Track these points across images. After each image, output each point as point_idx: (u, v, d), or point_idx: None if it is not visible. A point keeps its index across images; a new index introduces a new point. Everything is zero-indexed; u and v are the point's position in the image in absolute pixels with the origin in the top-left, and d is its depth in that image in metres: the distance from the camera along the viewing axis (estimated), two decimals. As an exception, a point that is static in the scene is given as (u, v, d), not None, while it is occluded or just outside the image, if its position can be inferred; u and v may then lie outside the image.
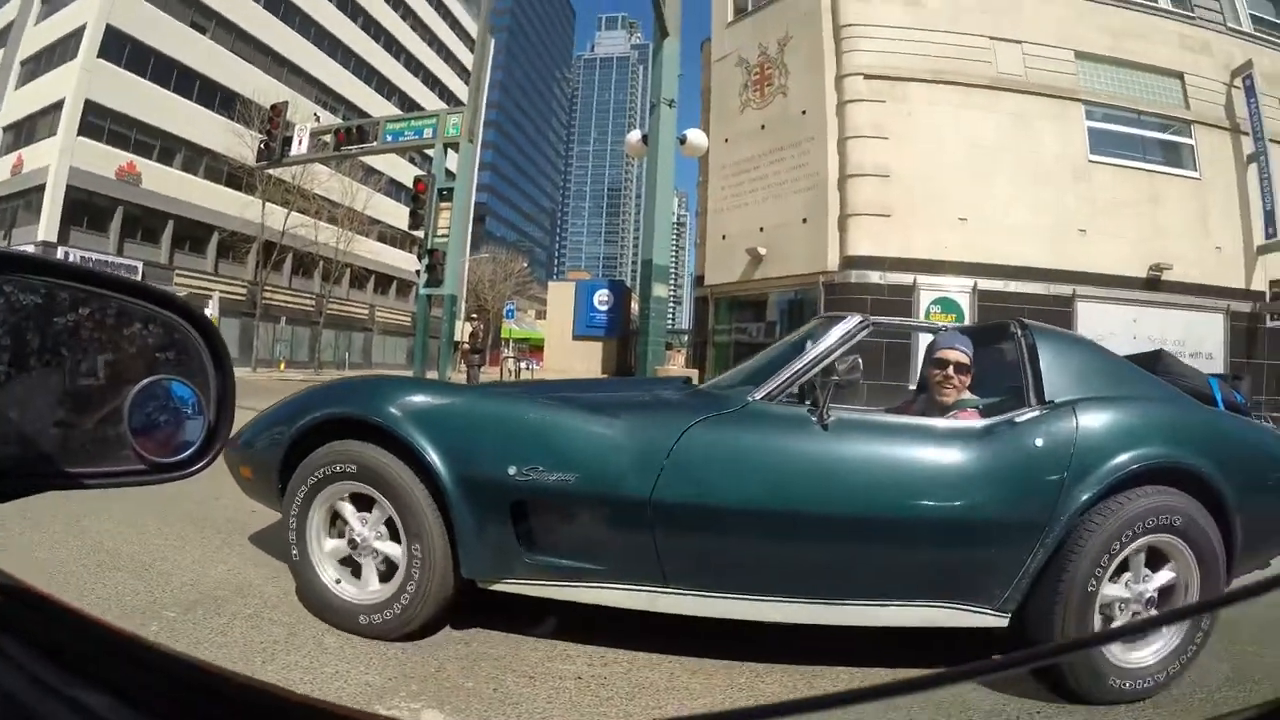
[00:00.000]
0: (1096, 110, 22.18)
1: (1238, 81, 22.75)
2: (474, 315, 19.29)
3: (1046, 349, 3.98)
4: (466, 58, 72.62)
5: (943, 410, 4.22)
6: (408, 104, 59.10)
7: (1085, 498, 3.41)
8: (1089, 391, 3.84)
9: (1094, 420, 3.62)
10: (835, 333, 3.97)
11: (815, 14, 22.20)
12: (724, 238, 24.00)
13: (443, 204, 19.97)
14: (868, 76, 21.18)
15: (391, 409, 3.64)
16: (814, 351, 3.87)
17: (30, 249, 31.26)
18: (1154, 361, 4.73)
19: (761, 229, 22.60)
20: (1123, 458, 3.48)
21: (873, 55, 21.33)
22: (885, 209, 20.30)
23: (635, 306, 20.08)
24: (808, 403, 3.70)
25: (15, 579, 0.69)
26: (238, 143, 38.82)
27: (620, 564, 3.51)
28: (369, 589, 3.74)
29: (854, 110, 21.01)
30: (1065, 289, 20.47)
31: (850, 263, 20.38)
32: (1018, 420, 3.69)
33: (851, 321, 4.03)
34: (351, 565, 3.81)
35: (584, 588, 3.52)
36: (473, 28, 74.59)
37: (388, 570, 3.72)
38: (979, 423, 3.84)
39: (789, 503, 3.44)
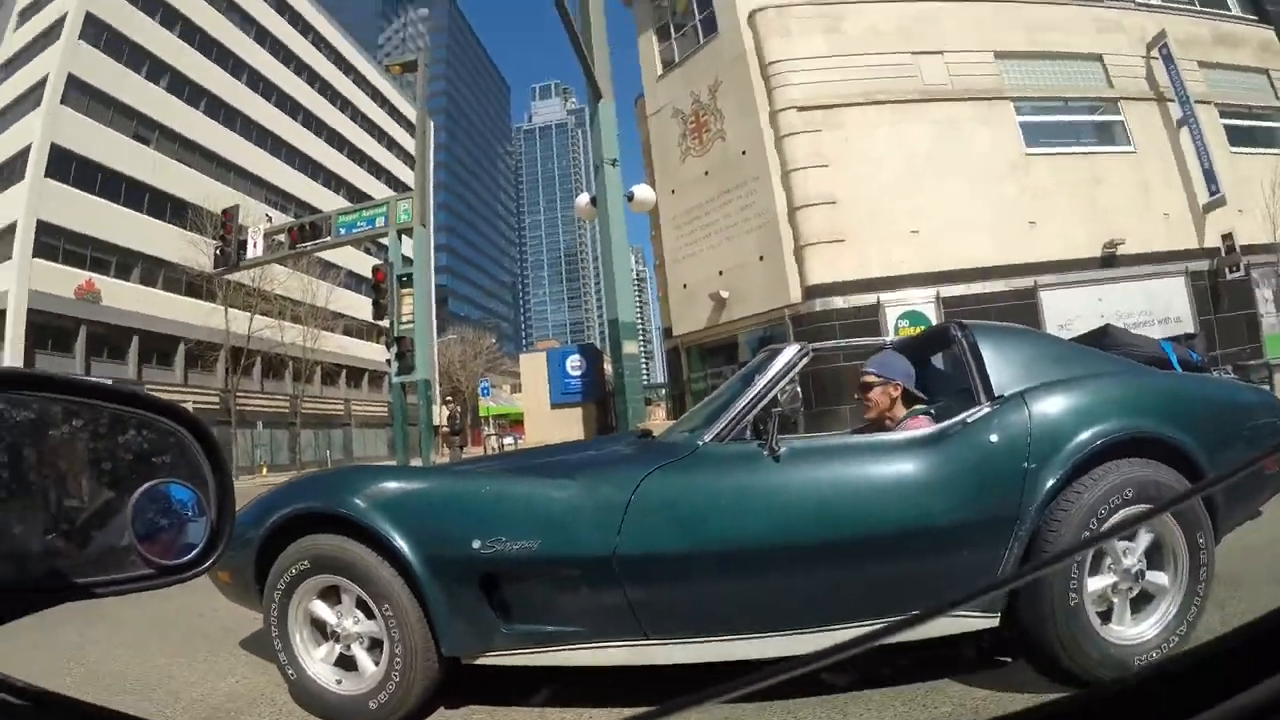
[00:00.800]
0: (1025, 105, 22.65)
1: (1154, 52, 23.37)
2: (448, 398, 19.22)
3: (987, 345, 4.00)
4: (407, 142, 73.16)
5: (877, 424, 4.41)
6: (356, 194, 59.23)
7: (1051, 484, 3.43)
8: (1037, 380, 3.83)
9: (1046, 406, 3.64)
10: (776, 365, 4.00)
11: (741, 57, 22.60)
12: (685, 286, 24.14)
13: (404, 290, 20.01)
14: (801, 109, 21.46)
15: (354, 499, 3.68)
16: (757, 386, 3.88)
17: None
18: (1102, 337, 4.79)
19: (721, 272, 22.73)
20: (1082, 437, 3.51)
21: (802, 88, 21.65)
22: (838, 234, 20.52)
23: (609, 367, 20.10)
24: (758, 439, 3.72)
25: (43, 688, 0.79)
26: (194, 251, 38.43)
27: (598, 623, 3.51)
28: (350, 680, 3.76)
29: (792, 143, 21.28)
30: (1026, 282, 20.73)
31: (813, 292, 20.53)
32: (970, 420, 3.70)
33: (790, 352, 4.07)
34: (334, 658, 3.82)
35: (567, 650, 3.52)
36: (410, 112, 74.89)
37: (370, 659, 3.73)
38: (931, 429, 3.86)
39: (753, 538, 3.44)
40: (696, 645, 3.45)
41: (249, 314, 40.62)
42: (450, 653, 3.57)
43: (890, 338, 5.55)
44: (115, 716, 0.85)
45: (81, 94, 40.87)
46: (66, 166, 39.52)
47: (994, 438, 3.55)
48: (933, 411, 4.23)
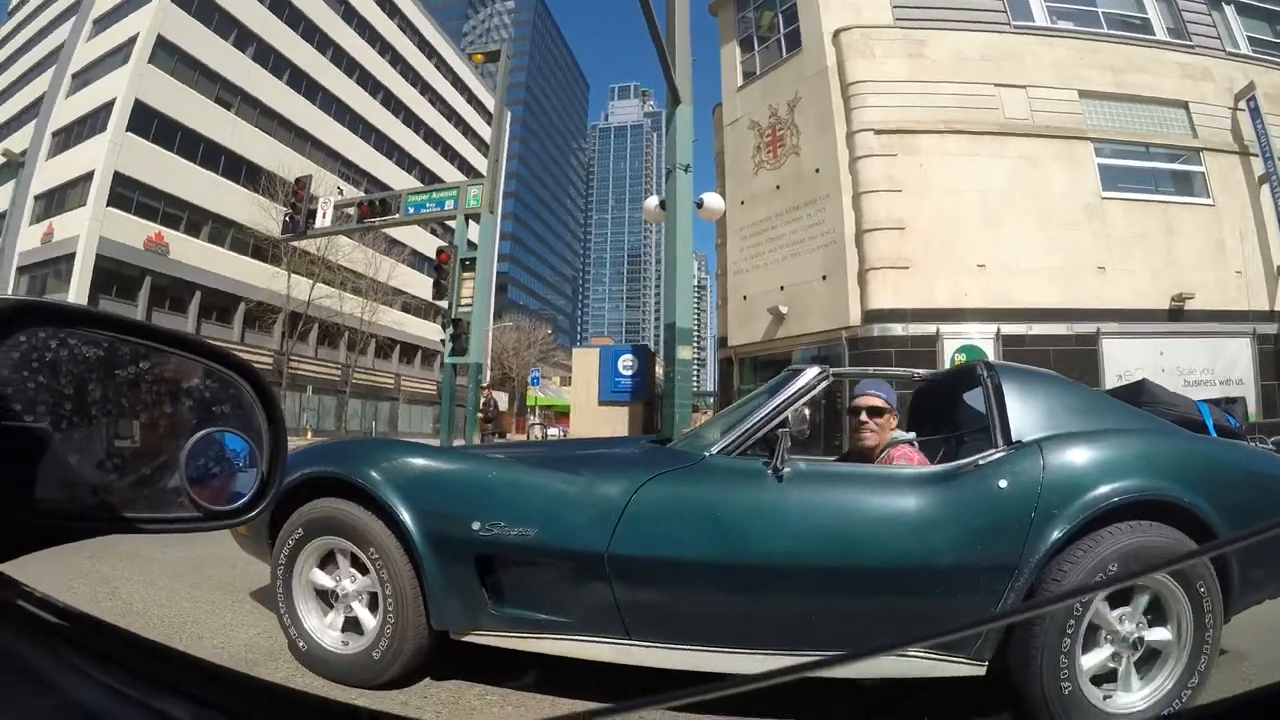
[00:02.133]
0: (1105, 147, 22.17)
1: (1242, 104, 22.77)
2: (484, 385, 19.33)
3: (1012, 389, 3.95)
4: (484, 130, 73.85)
5: (865, 453, 4.35)
6: (428, 176, 59.97)
7: (1055, 538, 3.34)
8: (1058, 429, 3.77)
9: (1061, 457, 3.56)
10: (793, 385, 4.04)
11: (823, 74, 22.48)
12: (745, 298, 24.05)
13: (465, 274, 20.12)
14: (878, 132, 21.30)
15: (368, 469, 3.81)
16: (770, 405, 3.94)
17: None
18: (1138, 393, 4.69)
19: (782, 287, 22.65)
20: (1094, 494, 3.42)
21: (881, 110, 21.49)
22: (904, 261, 20.32)
23: (660, 371, 20.10)
24: (764, 456, 3.74)
25: (82, 610, 0.84)
26: (263, 215, 39.61)
27: (583, 616, 3.57)
28: (345, 636, 3.94)
29: (866, 165, 21.12)
30: (1089, 328, 20.28)
31: (872, 316, 20.35)
32: (982, 462, 3.65)
33: (810, 374, 4.10)
34: (332, 615, 4.00)
35: (550, 639, 3.60)
36: (489, 101, 76.28)
37: (370, 614, 3.88)
38: (943, 467, 3.85)
39: (745, 554, 3.47)
40: (676, 651, 3.49)
41: (311, 281, 41.14)
42: (440, 626, 3.69)
43: (920, 370, 5.37)
44: (146, 643, 0.90)
45: (169, 55, 41.88)
46: (148, 122, 40.56)
47: (1003, 483, 3.50)
48: (914, 441, 4.27)
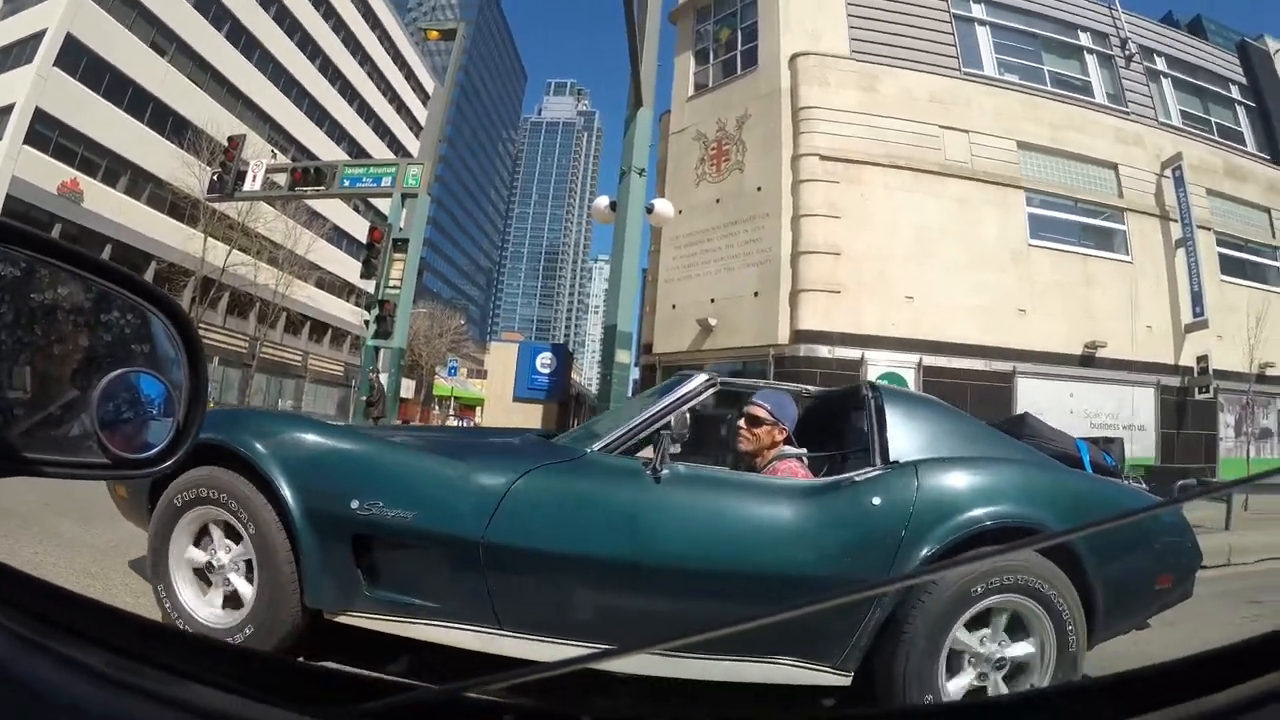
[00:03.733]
0: (1036, 197, 22.93)
1: (1168, 172, 23.88)
2: (373, 369, 19.22)
3: (894, 411, 4.05)
4: (417, 108, 73.02)
5: (749, 462, 4.46)
6: (356, 150, 59.18)
7: (924, 555, 3.42)
8: (936, 453, 3.88)
9: (936, 479, 3.65)
10: (680, 390, 4.14)
11: (775, 95, 22.68)
12: (674, 307, 24.11)
13: (396, 255, 19.79)
14: (823, 158, 21.59)
15: (251, 439, 3.76)
16: (655, 407, 4.04)
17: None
18: (1020, 426, 4.82)
19: (712, 300, 22.76)
20: (964, 517, 3.51)
21: (829, 138, 21.78)
22: (836, 285, 20.60)
23: (574, 375, 20.02)
24: (643, 456, 3.84)
25: None
26: (185, 172, 38.31)
27: (455, 603, 3.59)
28: (220, 612, 3.88)
29: (808, 189, 21.37)
30: (1006, 366, 20.92)
31: (800, 336, 20.59)
32: (858, 479, 3.72)
33: (698, 380, 4.19)
34: (207, 589, 3.94)
35: (422, 625, 3.59)
36: (427, 81, 75.20)
37: (248, 582, 3.83)
38: (820, 480, 3.97)
39: (619, 552, 3.52)
40: (545, 644, 3.49)
41: (227, 247, 40.14)
42: (314, 605, 3.68)
43: (810, 388, 5.53)
44: (51, 588, 0.85)
45: (109, -11, 40.22)
46: (78, 59, 39.10)
47: (877, 500, 3.58)
48: (803, 456, 4.32)
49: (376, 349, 19.84)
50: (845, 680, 3.46)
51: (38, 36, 38.10)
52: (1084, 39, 25.77)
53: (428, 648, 3.58)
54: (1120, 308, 22.46)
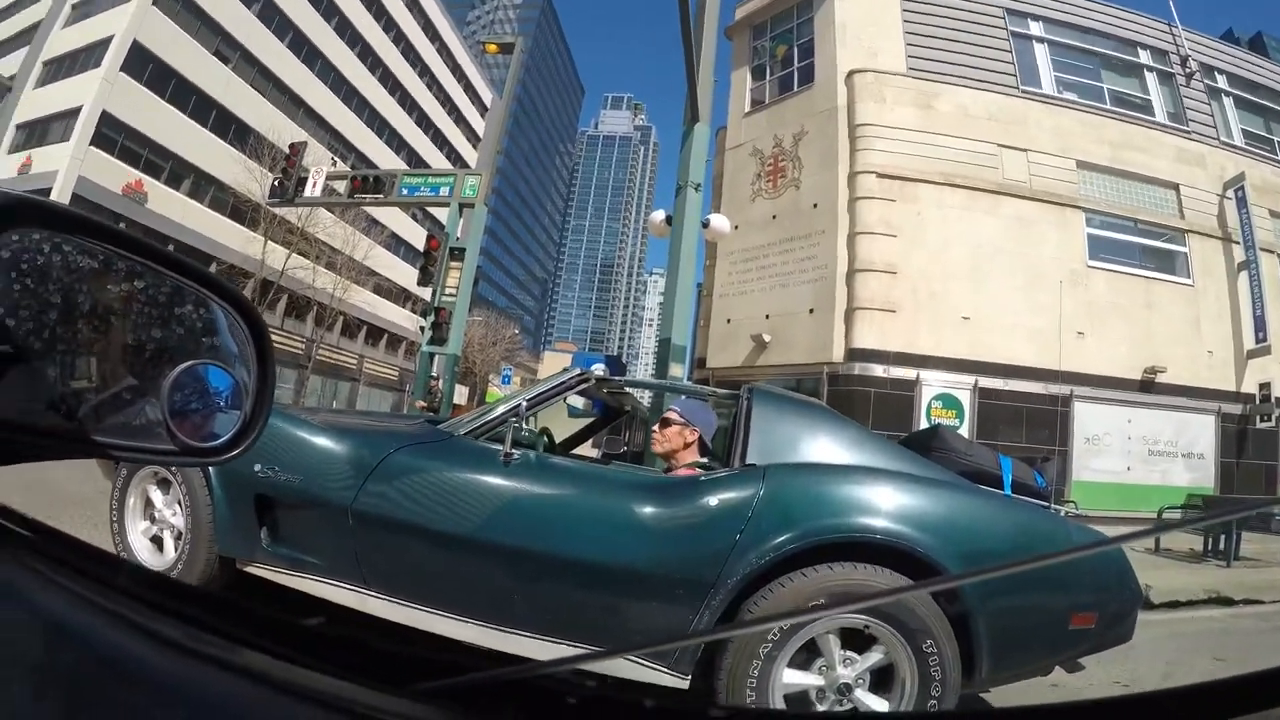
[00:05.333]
0: (1095, 217, 22.58)
1: (1230, 193, 23.34)
2: (434, 376, 19.30)
3: (761, 413, 3.98)
4: (475, 120, 73.80)
5: (659, 461, 4.60)
6: (415, 160, 59.65)
7: (756, 564, 3.31)
8: (803, 459, 3.78)
9: (783, 485, 3.54)
10: (549, 382, 4.42)
11: (832, 112, 22.58)
12: (728, 321, 24.03)
13: (453, 263, 19.97)
14: (880, 175, 21.44)
15: None
16: (519, 397, 4.22)
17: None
18: (929, 439, 4.58)
19: (767, 316, 22.65)
20: (806, 526, 3.38)
21: (885, 155, 21.64)
22: (891, 304, 20.43)
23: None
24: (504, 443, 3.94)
25: (47, 524, 0.84)
26: (247, 177, 38.90)
27: (332, 561, 3.89)
28: (158, 558, 4.39)
29: (865, 207, 21.22)
30: (1063, 389, 20.49)
31: (855, 355, 20.40)
32: (703, 478, 3.73)
33: (571, 373, 4.48)
34: (145, 524, 4.53)
35: (308, 579, 3.91)
36: (485, 93, 75.88)
37: (173, 547, 4.36)
38: (668, 477, 4.02)
39: (463, 528, 3.71)
40: (404, 608, 3.73)
41: (286, 250, 40.73)
42: (223, 552, 4.13)
43: (720, 390, 5.53)
44: (109, 557, 0.90)
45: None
46: (144, 66, 39.81)
47: (715, 501, 3.53)
48: (713, 468, 4.23)
49: (431, 355, 20.02)
50: (682, 683, 3.43)
51: (105, 42, 38.93)
52: (1144, 56, 25.35)
53: (344, 612, 3.82)
54: (1181, 332, 21.99)
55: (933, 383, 20.26)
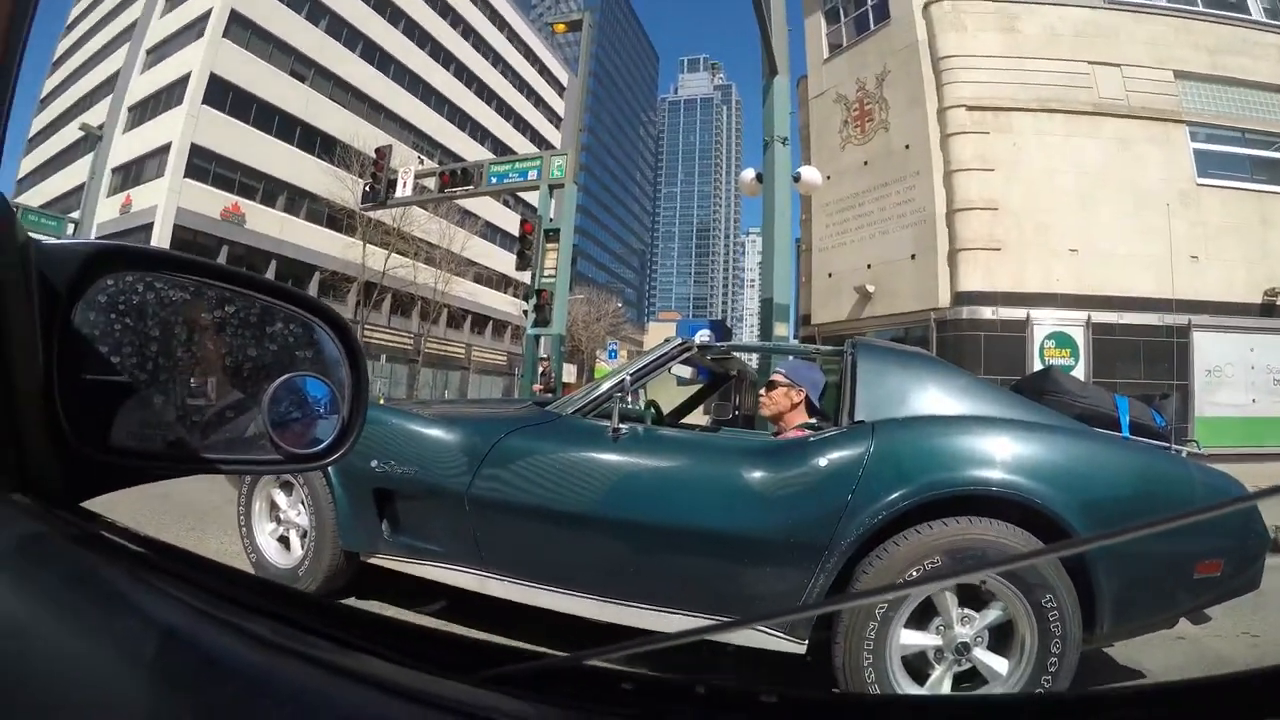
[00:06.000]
0: (1200, 131, 21.41)
1: (1345, 91, 21.73)
2: (544, 357, 19.61)
3: (866, 368, 3.88)
4: (555, 101, 74.70)
5: (769, 426, 4.63)
6: (500, 148, 60.41)
7: (870, 524, 3.24)
8: (911, 412, 3.68)
9: (893, 441, 3.46)
10: (651, 355, 4.44)
11: (913, 47, 22.10)
12: (830, 275, 23.81)
13: (549, 245, 20.26)
14: (970, 108, 20.88)
15: None
16: (623, 372, 4.24)
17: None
18: (1041, 382, 4.40)
19: (869, 266, 22.36)
20: (921, 481, 3.30)
21: (974, 86, 21.07)
22: (995, 242, 19.92)
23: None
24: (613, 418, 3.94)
25: (158, 539, 0.88)
26: (338, 186, 40.07)
27: (452, 547, 4.02)
28: (286, 556, 4.65)
29: (958, 143, 20.72)
30: (1180, 319, 19.55)
31: (961, 298, 19.98)
32: (813, 439, 3.68)
33: (672, 343, 4.46)
34: (273, 526, 4.78)
35: (429, 566, 4.06)
36: (560, 73, 76.72)
37: (300, 545, 4.60)
38: (777, 441, 4.04)
39: (576, 505, 3.75)
40: (520, 586, 3.84)
41: (385, 251, 41.64)
42: (346, 547, 4.31)
43: (825, 348, 5.57)
44: (221, 568, 0.95)
45: (243, 29, 42.81)
46: (224, 95, 41.52)
47: (824, 461, 3.47)
48: (821, 428, 4.13)
49: (537, 337, 20.38)
50: (800, 648, 3.37)
51: (184, 80, 40.79)
52: (1231, -57, 23.59)
53: (462, 594, 4.05)
54: (1303, 250, 20.69)
55: (1044, 321, 19.64)
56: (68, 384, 0.81)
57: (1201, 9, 22.58)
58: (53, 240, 0.88)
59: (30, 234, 0.78)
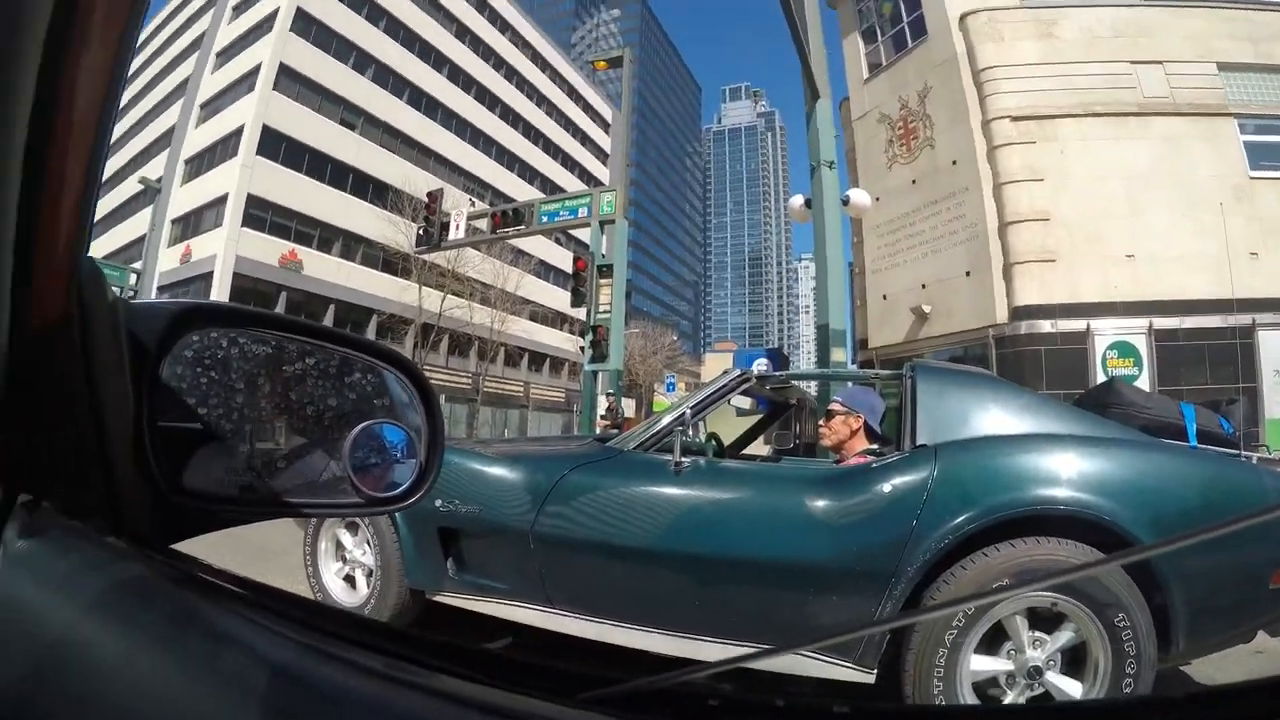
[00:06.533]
0: (1249, 122, 21.11)
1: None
2: (610, 392, 19.55)
3: (926, 390, 3.80)
4: (601, 138, 74.98)
5: (830, 454, 4.63)
6: (549, 186, 60.63)
7: (938, 548, 3.17)
8: (975, 433, 3.59)
9: (956, 464, 3.39)
10: (709, 388, 4.39)
11: (952, 61, 22.09)
12: (885, 297, 23.73)
13: (603, 281, 20.34)
14: (1015, 119, 20.81)
15: None
16: (682, 406, 4.19)
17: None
18: (1105, 395, 4.29)
19: (923, 285, 22.27)
20: (987, 503, 3.22)
21: (1016, 96, 20.97)
22: (1049, 253, 19.74)
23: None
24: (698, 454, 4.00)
25: (255, 580, 0.93)
26: (392, 230, 40.57)
27: (517, 584, 3.99)
28: (352, 595, 4.70)
29: (1005, 154, 20.65)
30: (1244, 319, 19.04)
31: (1019, 313, 19.82)
32: (875, 465, 3.61)
33: (730, 375, 4.40)
34: (338, 565, 4.82)
35: (495, 603, 4.03)
36: (603, 108, 76.95)
37: (365, 583, 4.64)
38: (839, 468, 3.98)
39: (641, 540, 3.72)
40: (585, 622, 3.79)
41: (441, 293, 42.04)
42: (413, 585, 4.33)
43: (884, 372, 5.56)
44: (319, 605, 1.01)
45: (292, 81, 43.36)
46: (277, 146, 42.02)
47: (888, 487, 3.40)
48: (883, 453, 4.08)
49: (595, 373, 20.43)
50: (868, 677, 3.29)
51: (237, 132, 41.43)
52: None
53: (528, 630, 3.99)
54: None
55: (1105, 331, 19.38)
56: (157, 433, 0.87)
57: (1238, -3, 22.04)
58: (142, 299, 0.99)
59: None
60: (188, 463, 0.91)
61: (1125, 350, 19.11)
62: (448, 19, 55.88)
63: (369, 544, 4.55)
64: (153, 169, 45.06)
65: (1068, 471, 3.30)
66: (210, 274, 38.88)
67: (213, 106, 44.68)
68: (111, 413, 0.82)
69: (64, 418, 0.81)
